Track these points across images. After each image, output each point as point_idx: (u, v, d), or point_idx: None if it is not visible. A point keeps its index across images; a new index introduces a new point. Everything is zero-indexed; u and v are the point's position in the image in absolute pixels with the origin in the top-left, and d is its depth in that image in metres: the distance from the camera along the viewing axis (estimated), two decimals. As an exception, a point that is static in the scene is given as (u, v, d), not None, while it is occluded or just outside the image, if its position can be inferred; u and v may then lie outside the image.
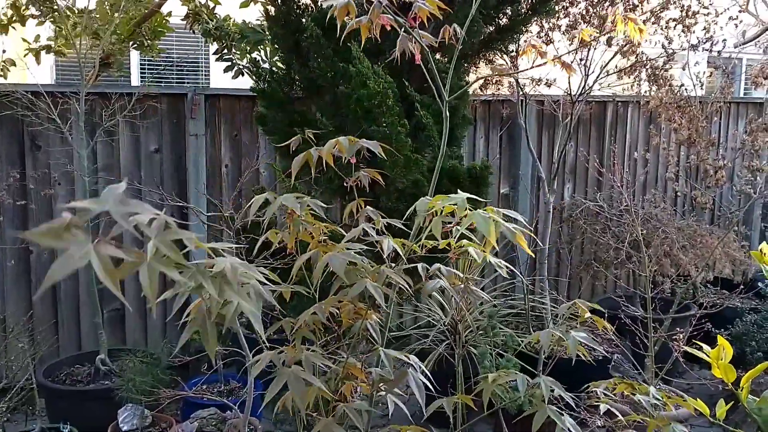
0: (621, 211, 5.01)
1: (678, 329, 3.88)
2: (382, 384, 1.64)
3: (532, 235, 1.70)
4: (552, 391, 1.82)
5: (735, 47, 6.29)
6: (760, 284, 5.78)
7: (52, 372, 4.10)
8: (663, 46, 4.74)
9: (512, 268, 1.79)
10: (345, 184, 1.68)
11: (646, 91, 5.19)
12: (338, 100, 3.19)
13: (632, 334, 4.18)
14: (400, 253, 1.62)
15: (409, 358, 1.63)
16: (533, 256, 4.61)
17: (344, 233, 1.66)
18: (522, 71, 1.96)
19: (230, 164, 4.90)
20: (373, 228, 1.62)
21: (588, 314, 1.94)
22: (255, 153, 4.97)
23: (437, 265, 1.65)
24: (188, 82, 9.12)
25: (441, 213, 1.55)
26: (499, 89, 4.99)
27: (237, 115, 4.88)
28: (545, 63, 1.82)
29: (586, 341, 1.82)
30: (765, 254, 1.76)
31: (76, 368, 4.19)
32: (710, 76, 5.50)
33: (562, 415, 1.78)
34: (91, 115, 4.19)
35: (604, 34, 4.11)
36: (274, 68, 3.76)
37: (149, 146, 4.62)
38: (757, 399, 1.74)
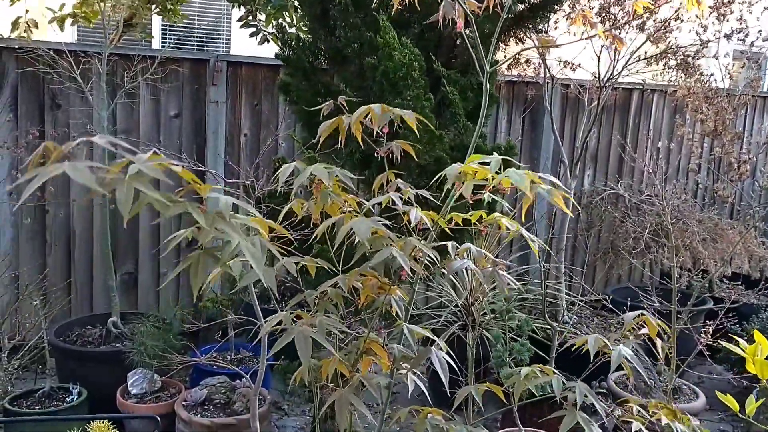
0: (642, 200, 4.94)
1: (701, 323, 3.82)
2: (402, 362, 1.60)
3: (564, 207, 1.64)
4: (586, 396, 1.76)
5: (764, 41, 6.18)
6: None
7: (64, 332, 4.10)
8: (697, 33, 4.65)
9: (545, 245, 1.73)
10: (375, 154, 1.63)
11: (674, 80, 5.10)
12: (363, 72, 3.13)
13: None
14: (429, 228, 1.57)
15: (432, 336, 1.60)
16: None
17: (371, 208, 1.62)
18: (565, 44, 1.89)
19: (249, 134, 4.86)
20: (401, 198, 1.58)
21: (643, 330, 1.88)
22: (275, 123, 4.93)
23: (468, 244, 1.61)
24: (209, 49, 9.06)
25: (474, 176, 1.51)
26: (525, 70, 4.91)
27: (258, 84, 4.84)
28: (588, 38, 1.75)
29: (630, 358, 1.76)
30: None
31: (87, 329, 4.19)
32: (743, 66, 5.38)
33: (591, 423, 1.73)
34: (112, 77, 4.16)
35: (639, 17, 4.02)
36: (300, 34, 3.70)
37: (169, 111, 4.59)
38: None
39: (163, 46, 7.98)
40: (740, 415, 1.78)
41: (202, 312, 4.52)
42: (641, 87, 5.86)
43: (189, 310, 4.56)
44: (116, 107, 4.31)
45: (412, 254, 1.47)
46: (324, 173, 1.50)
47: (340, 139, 1.69)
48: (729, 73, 5.46)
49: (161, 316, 4.26)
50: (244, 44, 5.95)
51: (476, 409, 4.14)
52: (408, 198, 1.61)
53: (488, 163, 1.57)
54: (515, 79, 5.21)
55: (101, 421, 2.83)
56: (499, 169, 1.57)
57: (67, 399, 3.61)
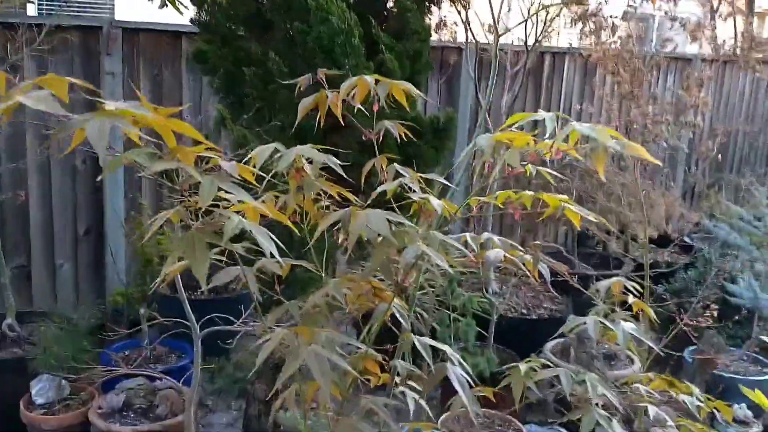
0: (564, 165, 4.88)
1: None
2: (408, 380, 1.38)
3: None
4: (598, 392, 1.59)
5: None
6: (687, 239, 5.86)
7: (-49, 339, 3.62)
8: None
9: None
10: (363, 138, 1.38)
11: (589, 43, 5.06)
12: (291, 38, 2.83)
13: (576, 291, 4.09)
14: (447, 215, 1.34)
15: (447, 352, 1.37)
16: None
17: (357, 199, 1.36)
18: None
19: (151, 108, 4.43)
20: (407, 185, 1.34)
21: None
22: (178, 96, 4.52)
23: (486, 234, 1.39)
24: (89, 15, 8.34)
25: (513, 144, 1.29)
26: (446, 34, 4.72)
27: (159, 53, 4.41)
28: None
29: (636, 333, 1.61)
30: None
31: (-22, 335, 3.72)
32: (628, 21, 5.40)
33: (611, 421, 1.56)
34: (-8, 48, 3.65)
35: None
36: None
37: (59, 85, 4.09)
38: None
39: (40, 13, 7.25)
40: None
41: (107, 306, 4.13)
42: (554, 50, 5.81)
43: (92, 304, 4.16)
44: (-3, 82, 3.79)
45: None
46: (316, 155, 1.23)
47: (319, 118, 1.41)
48: (633, 35, 5.46)
49: (64, 313, 3.84)
50: (130, 9, 5.44)
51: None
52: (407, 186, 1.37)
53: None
54: (434, 44, 5.00)
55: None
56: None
57: (-39, 417, 3.18)
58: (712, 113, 7.42)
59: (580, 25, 4.55)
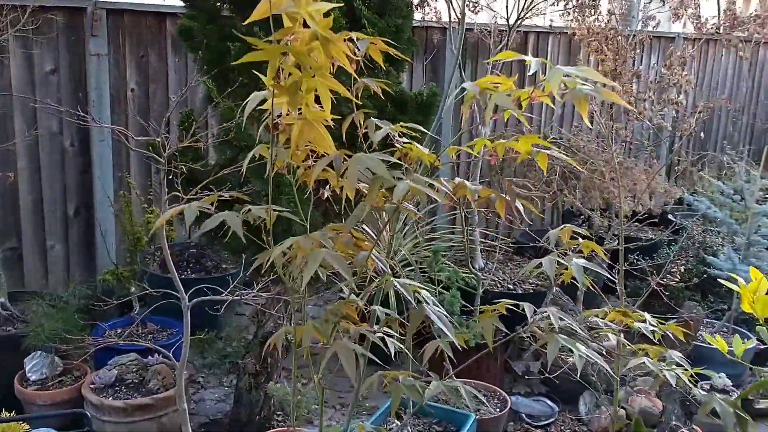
0: (551, 142, 4.94)
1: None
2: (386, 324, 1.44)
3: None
4: (561, 320, 1.66)
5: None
6: (670, 216, 5.95)
7: (-57, 319, 3.66)
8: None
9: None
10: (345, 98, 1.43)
11: (570, 20, 5.10)
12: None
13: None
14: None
15: (421, 293, 1.44)
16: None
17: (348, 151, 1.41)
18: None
19: (137, 89, 4.46)
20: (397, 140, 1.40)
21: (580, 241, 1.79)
22: (164, 77, 4.55)
23: (458, 179, 1.45)
24: None
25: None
26: (429, 13, 4.75)
27: (144, 34, 4.43)
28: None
29: (590, 266, 1.67)
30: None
31: (-29, 314, 3.76)
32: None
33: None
34: (-23, 29, 3.65)
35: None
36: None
37: (45, 66, 4.11)
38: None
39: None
40: (729, 357, 1.73)
41: (98, 285, 4.17)
42: (538, 29, 5.85)
43: (84, 283, 4.19)
44: (-18, 64, 3.81)
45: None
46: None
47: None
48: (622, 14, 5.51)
49: (55, 293, 3.88)
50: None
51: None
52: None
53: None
54: (418, 24, 5.04)
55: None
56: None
57: (-45, 393, 3.23)
58: (695, 92, 7.50)
59: (563, 2, 4.58)
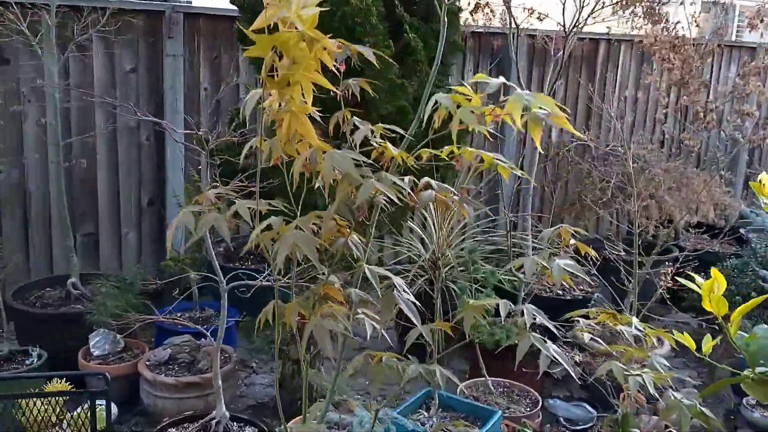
0: (609, 151, 4.92)
1: (661, 270, 3.83)
2: (361, 307, 1.56)
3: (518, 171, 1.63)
4: (534, 318, 1.74)
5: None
6: (741, 230, 5.77)
7: (22, 294, 3.99)
8: (662, -21, 4.59)
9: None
10: (332, 93, 1.56)
11: (640, 27, 5.05)
12: (322, 19, 3.02)
13: (615, 272, 4.14)
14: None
15: (393, 278, 1.55)
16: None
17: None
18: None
19: (210, 88, 4.73)
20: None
21: (572, 241, 1.85)
22: (235, 77, 4.80)
23: (426, 178, 1.55)
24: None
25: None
26: (490, 20, 4.82)
27: (218, 37, 4.69)
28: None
29: (571, 269, 1.74)
30: (765, 185, 1.67)
31: (47, 291, 4.09)
32: (708, 12, 5.35)
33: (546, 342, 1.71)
34: (62, 29, 3.97)
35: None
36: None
37: (125, 65, 4.43)
38: (746, 335, 1.68)
39: None
40: (697, 354, 1.77)
41: (165, 272, 4.43)
42: (608, 37, 5.81)
43: (151, 270, 4.48)
44: (68, 61, 4.14)
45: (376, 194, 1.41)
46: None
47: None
48: (695, 22, 5.41)
49: (122, 276, 4.17)
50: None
51: (445, 360, 4.14)
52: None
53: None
54: (481, 30, 5.12)
55: (59, 380, 2.76)
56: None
57: (27, 362, 3.53)
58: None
59: (625, 10, 4.55)
